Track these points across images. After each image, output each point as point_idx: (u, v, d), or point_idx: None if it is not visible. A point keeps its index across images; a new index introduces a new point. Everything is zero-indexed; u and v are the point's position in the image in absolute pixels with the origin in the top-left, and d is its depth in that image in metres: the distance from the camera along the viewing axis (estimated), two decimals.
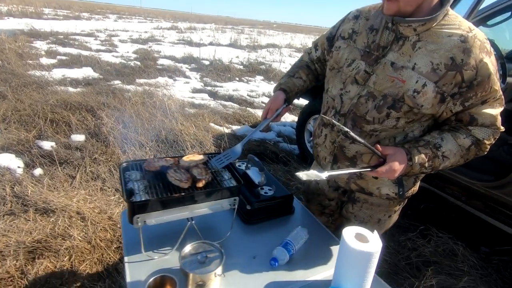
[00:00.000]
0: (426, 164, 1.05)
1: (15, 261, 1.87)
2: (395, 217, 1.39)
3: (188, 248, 1.00)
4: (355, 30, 1.15)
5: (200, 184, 1.10)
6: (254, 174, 1.50)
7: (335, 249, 1.24)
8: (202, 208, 1.11)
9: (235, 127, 4.40)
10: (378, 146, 1.04)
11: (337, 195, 1.45)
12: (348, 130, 0.98)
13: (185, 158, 1.22)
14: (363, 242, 0.93)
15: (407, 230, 2.42)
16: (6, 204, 2.33)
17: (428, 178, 2.48)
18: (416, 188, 1.30)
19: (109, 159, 3.14)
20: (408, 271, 2.06)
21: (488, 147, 1.10)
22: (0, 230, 2.08)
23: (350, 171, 1.05)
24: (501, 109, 1.06)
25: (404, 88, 1.00)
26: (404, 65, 1.00)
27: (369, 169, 1.03)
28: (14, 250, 1.93)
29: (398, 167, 1.01)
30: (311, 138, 3.67)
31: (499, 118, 1.07)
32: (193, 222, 1.11)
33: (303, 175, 0.92)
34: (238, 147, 1.23)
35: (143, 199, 1.01)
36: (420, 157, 1.03)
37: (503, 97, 1.05)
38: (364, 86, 1.08)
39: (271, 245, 1.21)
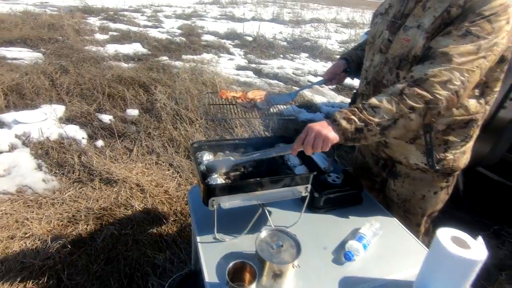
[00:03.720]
0: (355, 118, 0.95)
1: (86, 225, 2.03)
2: (442, 195, 1.29)
3: (263, 234, 0.97)
4: (391, 4, 1.22)
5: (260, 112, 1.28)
6: (320, 159, 1.42)
7: (411, 246, 1.14)
8: (274, 194, 1.06)
9: (281, 107, 4.29)
10: None
11: (379, 169, 1.39)
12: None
13: (251, 92, 1.43)
14: (463, 247, 0.82)
15: (475, 228, 2.21)
16: (75, 172, 2.53)
17: (501, 169, 2.22)
18: (458, 163, 1.20)
19: (161, 134, 3.24)
20: (477, 274, 1.88)
21: (441, 92, 0.92)
22: (71, 196, 2.27)
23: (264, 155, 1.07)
24: (470, 46, 0.92)
25: (409, 46, 1.07)
26: (412, 26, 1.07)
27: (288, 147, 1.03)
28: (85, 215, 2.10)
29: (315, 129, 0.95)
30: None
31: (461, 54, 0.92)
32: (266, 208, 1.08)
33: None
34: (292, 94, 1.47)
35: (218, 182, 0.99)
36: (343, 112, 0.98)
37: (484, 35, 0.92)
38: (385, 54, 1.16)
39: (340, 236, 1.16)
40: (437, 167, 1.17)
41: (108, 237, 1.96)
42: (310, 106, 4.51)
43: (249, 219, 1.09)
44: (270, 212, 1.16)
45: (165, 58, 6.23)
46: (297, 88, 4.59)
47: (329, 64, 7.17)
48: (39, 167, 2.62)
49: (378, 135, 0.98)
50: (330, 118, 1.00)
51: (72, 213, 2.12)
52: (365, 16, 15.05)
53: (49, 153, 2.77)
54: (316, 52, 8.22)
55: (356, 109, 0.98)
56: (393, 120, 0.97)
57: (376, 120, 0.98)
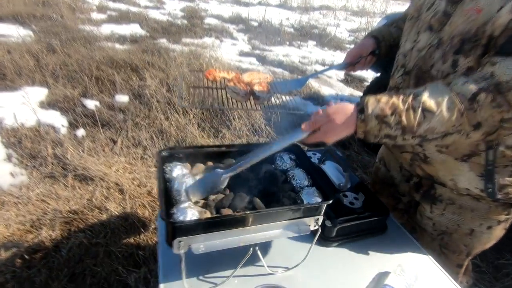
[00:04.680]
0: (390, 120, 0.69)
1: (51, 231, 1.74)
2: (498, 231, 0.96)
3: None
4: None
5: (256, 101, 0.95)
6: (334, 173, 1.09)
7: None
8: (271, 231, 0.74)
9: (286, 98, 3.94)
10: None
11: (409, 188, 1.05)
12: None
13: (248, 73, 1.09)
14: None
15: (506, 249, 1.89)
16: (48, 166, 2.22)
17: None
18: None
19: (151, 124, 2.92)
20: None
21: None
22: (39, 194, 1.96)
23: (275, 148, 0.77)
24: None
25: (479, 21, 0.74)
26: None
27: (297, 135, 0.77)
28: (51, 219, 1.80)
29: (333, 118, 0.73)
30: None
31: None
32: (257, 248, 0.76)
33: None
34: (302, 80, 1.09)
35: (189, 217, 0.67)
36: (379, 106, 0.70)
37: None
38: (438, 32, 0.84)
39: (359, 284, 0.85)
40: (498, 196, 0.84)
41: (75, 247, 1.66)
42: (316, 98, 4.15)
43: (234, 259, 0.78)
44: (265, 248, 0.85)
45: (163, 40, 5.84)
46: (299, 98, 4.22)
47: (338, 54, 6.75)
48: (9, 158, 2.31)
49: (410, 146, 0.79)
50: (359, 104, 0.73)
51: (37, 216, 1.82)
52: (376, 5, 14.40)
53: (22, 142, 2.46)
54: (324, 40, 7.77)
55: (399, 104, 0.68)
56: (444, 134, 0.67)
57: (422, 130, 0.69)
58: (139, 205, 1.97)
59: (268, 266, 0.82)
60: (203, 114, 3.12)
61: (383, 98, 0.71)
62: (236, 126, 2.95)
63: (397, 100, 0.70)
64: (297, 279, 0.85)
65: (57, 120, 2.81)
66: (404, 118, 0.68)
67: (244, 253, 0.75)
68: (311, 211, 0.76)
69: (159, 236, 0.93)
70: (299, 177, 0.86)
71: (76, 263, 1.59)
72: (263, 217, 0.72)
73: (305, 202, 0.78)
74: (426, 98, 0.68)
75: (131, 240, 1.75)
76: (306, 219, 0.77)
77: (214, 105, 0.96)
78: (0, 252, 1.57)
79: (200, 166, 0.88)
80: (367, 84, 4.87)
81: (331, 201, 0.76)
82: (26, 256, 1.58)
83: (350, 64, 1.09)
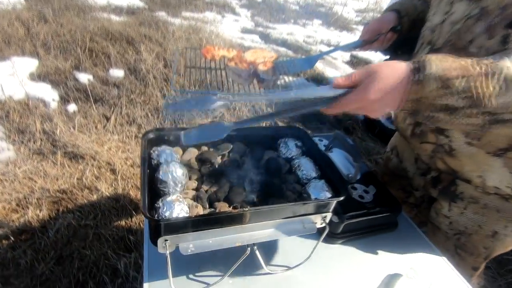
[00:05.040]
0: (456, 84, 0.53)
1: (38, 211, 1.65)
2: None
3: None
4: None
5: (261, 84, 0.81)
6: (342, 162, 0.99)
7: None
8: (272, 230, 0.65)
9: (289, 79, 3.78)
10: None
11: (425, 182, 0.95)
12: None
13: (251, 52, 0.93)
14: None
15: None
16: (36, 142, 2.11)
17: None
18: None
19: (147, 101, 2.78)
20: None
21: None
22: (27, 172, 1.86)
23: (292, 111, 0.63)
24: None
25: None
26: None
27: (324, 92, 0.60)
28: (38, 198, 1.71)
29: (378, 72, 0.56)
30: None
31: None
32: (256, 248, 0.66)
33: None
34: (312, 59, 0.92)
35: (176, 213, 0.56)
36: (442, 66, 0.54)
37: None
38: (478, 1, 0.71)
39: (367, 281, 0.77)
40: None
41: (63, 229, 1.58)
42: (320, 80, 3.98)
43: (228, 256, 0.69)
44: (263, 245, 0.76)
45: (162, 13, 5.55)
46: (303, 79, 4.03)
47: (344, 34, 6.49)
48: None
49: (434, 136, 0.67)
50: (415, 62, 0.56)
51: (23, 194, 1.73)
52: None
53: (9, 116, 2.33)
54: (330, 19, 7.45)
55: (470, 67, 0.54)
56: None
57: (496, 104, 0.54)
58: (132, 186, 1.88)
59: (266, 265, 0.73)
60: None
61: (447, 57, 0.56)
62: (236, 106, 2.82)
63: (467, 63, 0.55)
64: (299, 279, 0.76)
65: (47, 93, 2.67)
66: (477, 84, 0.53)
67: (240, 250, 0.66)
68: (319, 208, 0.66)
69: (144, 227, 0.83)
70: (306, 168, 0.75)
71: (64, 245, 1.52)
72: (263, 214, 0.61)
73: (312, 197, 0.68)
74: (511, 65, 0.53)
75: (122, 223, 1.67)
76: (313, 216, 0.67)
77: (210, 90, 0.83)
78: None
79: (193, 152, 0.77)
80: None
81: (342, 198, 0.66)
82: (11, 237, 1.50)
83: (367, 42, 0.95)
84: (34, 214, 1.63)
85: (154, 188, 0.64)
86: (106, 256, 1.48)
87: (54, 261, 1.45)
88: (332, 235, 0.87)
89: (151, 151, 0.70)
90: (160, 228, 0.54)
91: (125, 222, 1.68)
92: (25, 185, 1.78)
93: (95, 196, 1.77)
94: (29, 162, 1.95)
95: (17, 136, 2.16)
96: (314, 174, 0.74)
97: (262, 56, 0.88)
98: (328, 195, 0.68)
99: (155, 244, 0.57)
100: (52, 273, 1.41)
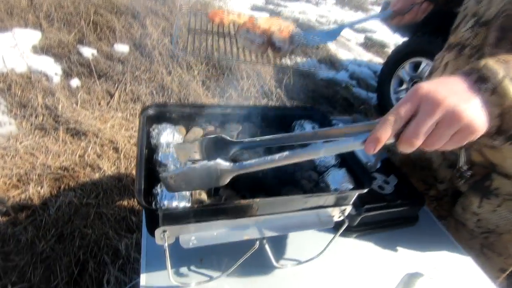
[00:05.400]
0: None
1: (39, 188, 1.61)
2: None
3: None
4: None
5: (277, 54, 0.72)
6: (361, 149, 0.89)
7: None
8: (284, 223, 0.57)
9: (299, 60, 3.62)
10: None
11: (452, 175, 0.86)
12: None
13: (265, 19, 0.82)
14: None
15: None
16: (38, 117, 2.05)
17: None
18: None
19: (152, 79, 2.68)
20: None
21: None
22: (28, 147, 1.82)
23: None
24: None
25: None
26: None
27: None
28: (39, 174, 1.67)
29: (444, 101, 0.39)
30: (400, 88, 2.84)
31: None
32: (265, 242, 0.59)
33: None
34: (335, 32, 0.84)
35: (177, 201, 0.49)
36: (509, 66, 0.41)
37: None
38: None
39: (384, 280, 0.70)
40: None
41: (64, 206, 1.54)
42: (332, 63, 3.82)
43: (234, 247, 0.62)
44: (272, 240, 0.69)
45: None
46: (315, 61, 3.85)
47: (359, 14, 6.19)
48: None
49: None
50: (471, 73, 0.42)
51: (24, 170, 1.68)
52: None
53: (11, 89, 2.27)
54: None
55: None
56: None
57: None
58: (135, 166, 1.82)
59: (275, 259, 0.66)
60: (208, 71, 2.87)
61: (505, 56, 0.43)
62: (244, 86, 2.71)
63: None
64: (309, 275, 0.70)
65: (50, 67, 2.59)
66: None
67: (247, 243, 0.59)
68: (339, 200, 0.58)
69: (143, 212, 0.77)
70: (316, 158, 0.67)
71: (64, 223, 1.48)
72: (276, 206, 0.54)
73: (332, 187, 0.60)
74: None
75: (125, 203, 1.62)
76: (330, 209, 0.60)
77: (220, 55, 0.73)
78: None
79: (198, 131, 0.69)
80: (388, 50, 4.48)
81: (366, 189, 0.58)
82: (11, 212, 1.47)
83: (399, 13, 0.83)
84: (35, 191, 1.59)
85: (152, 172, 0.56)
86: (107, 236, 1.45)
87: (54, 239, 1.42)
88: (346, 228, 0.80)
89: (150, 129, 0.62)
90: (158, 218, 0.47)
91: (128, 202, 1.63)
92: (26, 160, 1.74)
93: (97, 175, 1.72)
94: (30, 137, 1.90)
95: (19, 110, 2.10)
96: (333, 162, 0.66)
97: (278, 24, 0.78)
98: (350, 186, 0.59)
99: (152, 234, 0.50)
100: (52, 250, 1.38)
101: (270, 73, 2.95)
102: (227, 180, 0.44)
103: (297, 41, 0.76)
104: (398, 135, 0.42)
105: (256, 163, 0.43)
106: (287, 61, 0.86)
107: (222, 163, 0.44)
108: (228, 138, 0.51)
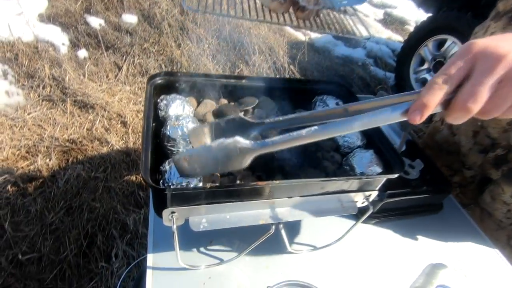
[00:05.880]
0: None
1: (47, 160, 1.60)
2: None
3: None
4: None
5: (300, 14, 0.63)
6: (386, 129, 0.82)
7: None
8: (303, 207, 0.52)
9: (314, 35, 3.45)
10: None
11: (483, 161, 0.80)
12: None
13: None
14: None
15: None
16: (45, 88, 2.01)
17: None
18: None
19: (161, 52, 2.59)
20: None
21: None
22: (36, 118, 1.79)
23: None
24: None
25: None
26: None
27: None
28: (47, 146, 1.65)
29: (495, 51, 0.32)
30: (420, 68, 2.69)
31: None
32: (282, 227, 0.54)
33: None
34: None
35: (186, 181, 0.44)
36: None
37: None
38: None
39: (405, 273, 0.66)
40: None
41: (73, 179, 1.53)
42: (349, 39, 3.63)
43: (246, 233, 0.58)
44: (288, 224, 0.64)
45: None
46: (330, 37, 3.63)
47: None
48: (4, 75, 2.10)
49: None
50: None
51: (33, 141, 1.67)
52: None
53: (18, 59, 2.22)
54: None
55: None
56: None
57: None
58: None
59: (290, 244, 0.62)
60: (219, 44, 2.75)
61: None
62: (255, 62, 2.60)
63: None
64: (324, 261, 0.65)
65: (57, 37, 2.51)
66: None
67: (261, 227, 0.55)
68: (365, 185, 0.52)
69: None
70: (349, 133, 0.60)
71: (73, 196, 1.48)
72: (295, 189, 0.48)
73: (357, 170, 0.54)
74: None
75: (133, 178, 1.61)
76: (353, 194, 0.54)
77: (237, 14, 0.66)
78: None
79: (210, 104, 0.62)
80: (408, 27, 4.24)
81: (396, 176, 0.52)
82: (21, 184, 1.46)
83: None
84: (44, 163, 1.58)
85: (160, 147, 0.51)
86: (115, 210, 1.44)
87: (63, 211, 1.42)
88: (370, 214, 0.75)
89: (158, 100, 0.56)
90: (165, 197, 0.42)
91: (136, 177, 1.61)
92: (34, 132, 1.72)
93: (105, 149, 1.69)
94: (38, 108, 1.87)
95: (26, 80, 2.06)
96: (358, 143, 0.59)
97: None
98: (378, 169, 0.53)
99: (160, 215, 0.46)
100: (61, 222, 1.38)
101: (284, 48, 2.82)
102: (248, 162, 0.38)
103: (323, 1, 0.68)
104: (447, 102, 0.35)
105: (281, 140, 0.37)
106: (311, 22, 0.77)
107: (242, 141, 0.38)
108: (248, 119, 0.45)
